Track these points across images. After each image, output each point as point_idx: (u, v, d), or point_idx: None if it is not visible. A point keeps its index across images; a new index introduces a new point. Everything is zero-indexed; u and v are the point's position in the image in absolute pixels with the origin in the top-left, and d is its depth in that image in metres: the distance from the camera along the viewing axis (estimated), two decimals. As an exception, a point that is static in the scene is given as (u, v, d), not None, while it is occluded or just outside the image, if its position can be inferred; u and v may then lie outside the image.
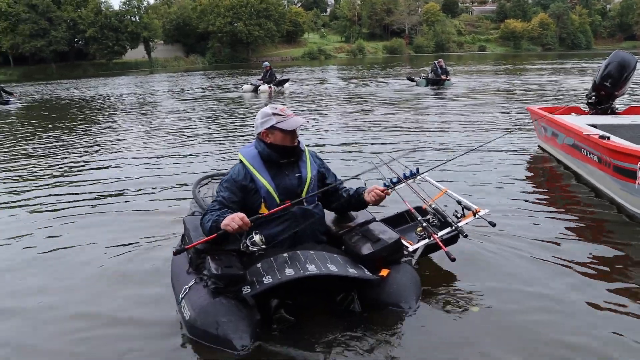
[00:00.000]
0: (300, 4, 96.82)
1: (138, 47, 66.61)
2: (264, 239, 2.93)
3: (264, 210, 3.08)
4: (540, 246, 4.19)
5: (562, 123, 6.47)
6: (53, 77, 50.79)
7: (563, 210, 5.13)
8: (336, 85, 23.90)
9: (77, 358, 2.95)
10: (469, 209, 3.70)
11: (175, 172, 7.47)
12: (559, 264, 3.86)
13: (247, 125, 11.72)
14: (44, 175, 7.66)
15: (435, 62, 20.68)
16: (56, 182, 7.21)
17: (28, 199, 6.38)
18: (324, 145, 8.92)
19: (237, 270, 2.86)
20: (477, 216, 3.60)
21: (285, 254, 2.97)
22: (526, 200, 5.49)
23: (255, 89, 20.58)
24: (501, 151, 7.83)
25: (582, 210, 5.11)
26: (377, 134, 9.82)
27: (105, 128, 12.74)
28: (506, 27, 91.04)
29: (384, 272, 3.07)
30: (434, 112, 12.82)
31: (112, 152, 9.35)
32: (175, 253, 3.01)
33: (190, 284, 2.99)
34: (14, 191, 6.84)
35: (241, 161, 3.21)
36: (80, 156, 9.07)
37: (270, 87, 20.36)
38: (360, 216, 3.47)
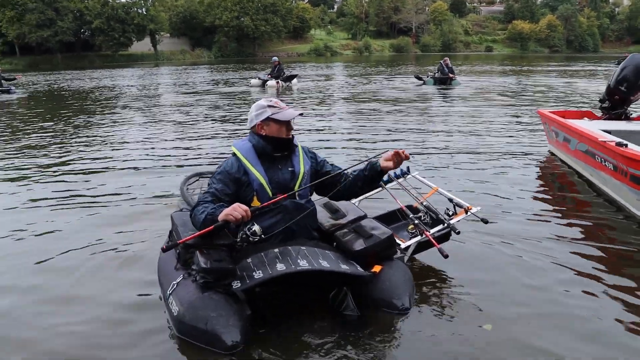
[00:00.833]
0: (307, 0, 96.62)
1: (144, 39, 66.56)
2: (262, 230, 2.92)
3: (256, 204, 3.06)
4: (541, 248, 4.13)
5: (575, 128, 6.29)
6: (58, 67, 50.81)
7: (571, 216, 5.01)
8: (342, 82, 23.81)
9: (57, 352, 2.88)
10: (460, 206, 3.71)
11: (176, 166, 7.43)
12: (558, 265, 3.85)
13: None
14: (40, 165, 7.61)
15: (442, 61, 20.62)
16: (53, 172, 7.16)
17: (22, 189, 6.36)
18: (325, 141, 8.79)
19: (226, 264, 2.83)
20: (469, 213, 3.62)
21: (276, 249, 2.93)
22: (532, 205, 5.38)
23: (263, 84, 20.56)
24: (511, 154, 7.71)
25: (591, 217, 4.99)
26: (379, 133, 9.77)
27: (106, 120, 12.68)
28: (513, 28, 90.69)
29: (377, 269, 3.05)
30: (440, 112, 12.75)
31: (111, 145, 9.29)
32: (166, 249, 2.95)
33: (179, 279, 2.95)
34: (6, 179, 6.83)
35: (235, 154, 3.19)
36: (78, 147, 9.01)
37: (278, 82, 20.29)
38: (351, 213, 3.43)
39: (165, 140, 9.58)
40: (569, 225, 4.76)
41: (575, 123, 6.57)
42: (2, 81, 20.52)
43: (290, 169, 3.19)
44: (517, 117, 11.75)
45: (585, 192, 5.80)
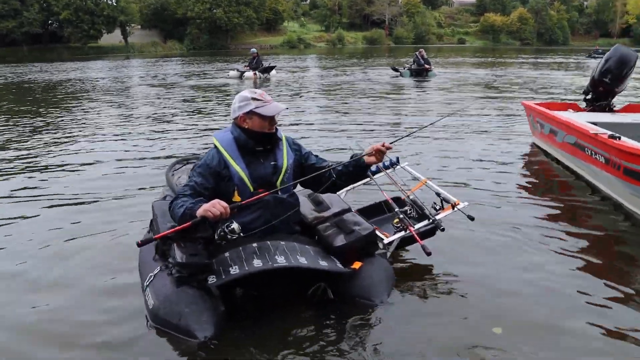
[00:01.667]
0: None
1: (114, 31, 65.25)
2: (241, 228, 2.82)
3: (236, 199, 2.95)
4: (525, 241, 4.08)
5: (563, 120, 6.20)
6: (25, 59, 49.45)
7: (557, 210, 4.94)
8: (318, 74, 23.66)
9: (34, 337, 2.89)
10: (447, 201, 3.60)
11: (153, 156, 7.28)
12: (547, 256, 3.81)
13: (228, 110, 11.38)
14: (9, 160, 7.31)
15: (417, 52, 20.59)
16: (25, 167, 6.88)
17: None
18: (304, 133, 8.70)
19: (202, 259, 2.78)
20: (455, 209, 3.52)
21: (255, 244, 2.87)
22: (516, 197, 5.33)
23: (241, 76, 20.33)
24: (494, 146, 7.66)
25: (578, 207, 4.98)
26: (358, 124, 9.69)
27: (77, 112, 12.32)
28: (485, 21, 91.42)
29: (356, 265, 2.97)
30: (419, 104, 12.68)
31: (84, 137, 9.03)
32: (141, 244, 2.79)
33: (156, 271, 2.92)
34: None
35: (215, 146, 3.04)
36: (50, 140, 8.71)
37: (255, 74, 20.13)
38: (335, 205, 3.32)
39: (142, 132, 9.32)
40: (556, 216, 4.72)
41: (562, 115, 6.49)
42: None
43: (272, 162, 3.06)
44: (497, 108, 11.71)
45: (573, 185, 5.74)
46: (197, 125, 9.89)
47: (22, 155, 7.60)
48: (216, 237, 2.84)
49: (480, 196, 5.20)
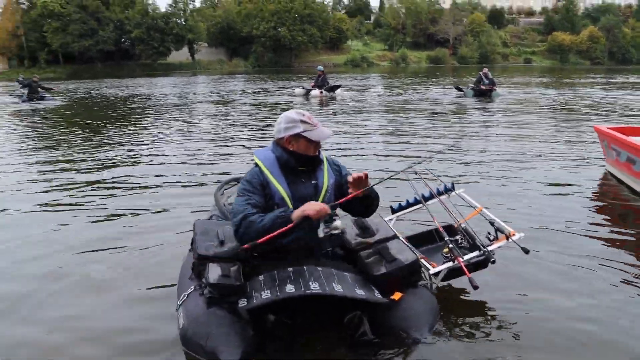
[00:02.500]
0: (344, 10, 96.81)
1: (182, 48, 67.68)
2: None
3: None
4: (588, 280, 3.70)
5: None
6: (99, 75, 51.96)
7: (631, 247, 4.39)
8: (381, 93, 23.43)
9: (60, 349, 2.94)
10: (502, 231, 3.35)
11: (210, 173, 7.34)
12: (605, 298, 3.43)
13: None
14: (71, 171, 7.56)
15: (481, 72, 20.13)
16: (84, 177, 7.09)
17: (51, 195, 6.27)
18: (362, 153, 8.50)
19: (234, 280, 2.72)
20: (510, 240, 3.27)
21: (291, 269, 2.79)
22: (582, 229, 4.78)
23: (307, 94, 20.48)
24: (562, 173, 7.12)
25: None
26: (417, 145, 9.40)
27: (140, 127, 12.68)
28: (553, 40, 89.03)
29: (397, 296, 2.83)
30: (483, 126, 12.26)
31: (142, 151, 9.25)
32: (246, 248, 2.75)
33: (189, 291, 2.87)
34: (35, 181, 6.78)
35: (257, 165, 3.00)
36: (111, 152, 8.98)
37: (321, 92, 20.20)
38: (380, 232, 3.18)
39: (201, 149, 9.45)
40: (629, 254, 4.20)
41: None
42: (39, 89, 20.95)
43: (313, 182, 3.01)
44: (567, 132, 10.99)
45: None
46: (256, 143, 9.96)
47: (84, 165, 7.86)
48: (321, 235, 2.88)
49: (542, 227, 4.81)
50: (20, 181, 7.09)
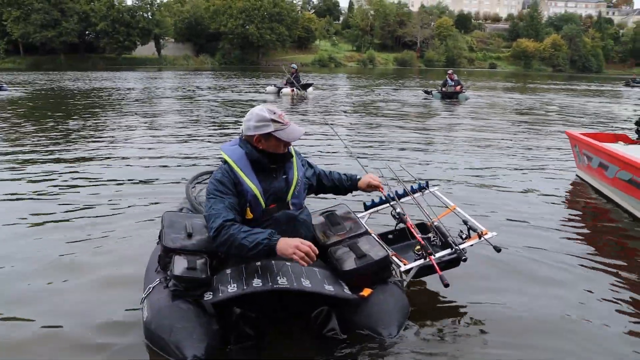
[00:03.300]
0: (313, 10, 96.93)
1: (148, 43, 66.67)
2: None
3: (249, 215, 2.82)
4: (559, 281, 3.69)
5: (615, 154, 5.58)
6: (61, 68, 50.75)
7: (601, 249, 4.38)
8: (349, 93, 23.44)
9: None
10: (475, 230, 3.31)
11: (176, 167, 7.18)
12: (575, 297, 3.43)
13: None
14: (33, 163, 7.26)
15: (447, 75, 20.30)
16: (45, 172, 6.80)
17: (10, 187, 6.00)
18: (334, 152, 8.46)
19: (199, 273, 2.64)
20: (482, 239, 3.23)
21: (259, 262, 2.69)
22: (555, 232, 4.78)
23: (279, 91, 20.43)
24: (532, 176, 7.11)
25: (627, 248, 4.47)
26: (388, 144, 9.39)
27: (104, 121, 12.32)
28: (518, 46, 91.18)
29: (366, 292, 2.77)
30: (452, 128, 12.26)
31: (107, 145, 8.96)
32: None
33: (155, 283, 2.78)
34: None
35: (226, 162, 2.88)
36: (74, 147, 8.67)
37: (292, 90, 20.18)
38: (353, 227, 3.12)
39: (167, 143, 9.25)
40: (601, 256, 4.19)
41: (615, 148, 5.89)
42: None
43: (284, 176, 2.94)
44: (536, 136, 11.03)
45: (625, 226, 5.08)
46: (223, 138, 9.81)
47: (46, 159, 7.57)
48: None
49: (513, 228, 4.82)
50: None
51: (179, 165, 7.32)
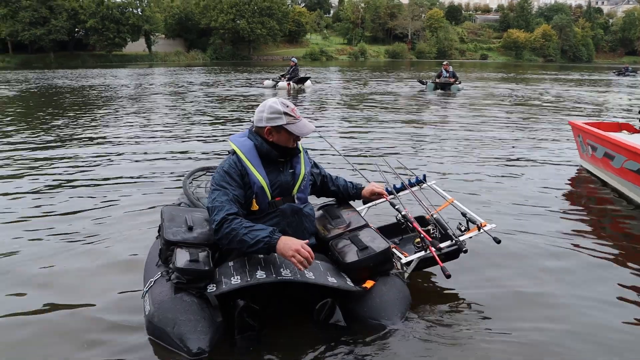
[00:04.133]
0: (303, 4, 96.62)
1: (139, 40, 66.17)
2: None
3: (254, 207, 2.86)
4: (559, 272, 3.70)
5: (623, 143, 5.48)
6: (51, 66, 50.32)
7: (608, 242, 4.31)
8: (343, 86, 23.42)
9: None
10: (473, 222, 3.36)
11: (171, 163, 7.22)
12: (574, 290, 3.43)
13: (248, 121, 11.28)
14: (25, 166, 7.23)
15: (442, 66, 20.32)
16: (38, 170, 6.80)
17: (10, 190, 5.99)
18: (324, 149, 8.40)
19: (202, 265, 2.63)
20: (481, 230, 3.27)
21: (262, 255, 2.72)
22: (556, 223, 4.75)
23: (275, 85, 20.52)
24: (534, 166, 7.08)
25: (632, 238, 4.42)
26: (386, 137, 9.40)
27: (95, 118, 12.26)
28: (509, 37, 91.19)
29: (368, 284, 2.81)
30: (446, 119, 12.30)
31: (99, 142, 8.94)
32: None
33: (156, 277, 2.80)
34: None
35: (235, 153, 2.91)
36: (67, 147, 8.64)
37: (289, 83, 20.22)
38: (353, 221, 3.16)
39: (161, 139, 9.23)
40: (607, 250, 4.14)
41: (621, 137, 5.79)
42: None
43: (291, 170, 2.98)
44: (536, 126, 10.86)
45: (632, 214, 5.04)
46: (218, 133, 9.78)
47: (37, 157, 7.54)
48: None
49: (514, 220, 4.81)
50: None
51: (176, 159, 7.38)
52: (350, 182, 3.46)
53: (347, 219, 3.19)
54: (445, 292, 3.35)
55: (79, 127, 10.70)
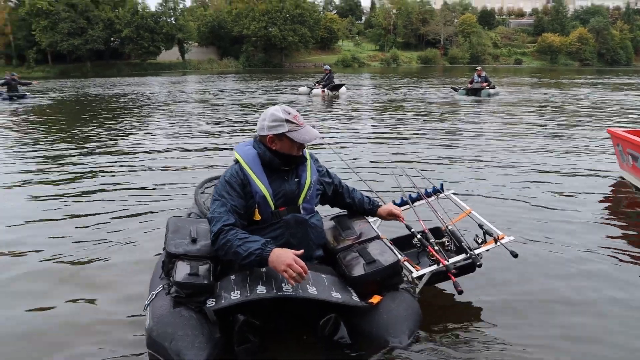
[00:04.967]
0: (335, 11, 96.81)
1: (172, 48, 67.33)
2: None
3: (257, 217, 2.79)
4: (586, 290, 3.47)
5: None
6: (88, 75, 51.62)
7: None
8: (374, 93, 23.30)
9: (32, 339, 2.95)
10: (490, 234, 3.20)
11: (196, 172, 7.23)
12: (594, 311, 3.21)
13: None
14: (54, 168, 7.35)
15: (476, 72, 20.12)
16: (64, 175, 6.89)
17: (36, 194, 6.11)
18: (352, 151, 8.34)
19: (201, 279, 2.58)
20: (498, 243, 3.11)
21: (264, 269, 2.64)
22: (590, 240, 4.38)
23: (309, 92, 20.68)
24: (568, 176, 6.72)
25: None
26: (411, 144, 9.26)
27: (126, 126, 12.46)
28: (543, 41, 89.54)
29: (375, 299, 2.69)
30: (476, 126, 12.03)
31: (127, 150, 9.03)
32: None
33: (158, 290, 2.75)
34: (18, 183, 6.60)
35: (238, 162, 2.86)
36: (96, 151, 8.76)
37: (323, 90, 20.31)
38: (364, 232, 3.04)
39: (189, 148, 9.29)
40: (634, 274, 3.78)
41: None
42: (18, 86, 21.13)
43: (296, 179, 2.89)
44: (571, 134, 10.34)
45: None
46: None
47: (66, 162, 7.68)
48: None
49: (550, 232, 4.53)
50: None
51: (201, 169, 7.39)
52: (367, 197, 3.35)
53: (358, 230, 3.08)
54: (459, 308, 3.19)
55: (107, 136, 10.86)
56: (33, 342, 2.95)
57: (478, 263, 3.00)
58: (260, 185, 2.78)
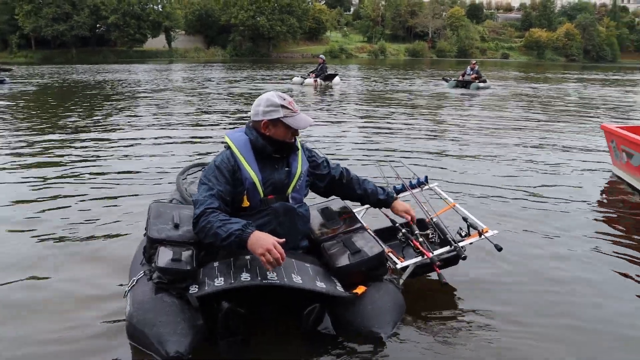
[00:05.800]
0: (323, 1, 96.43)
1: (159, 36, 66.63)
2: None
3: (245, 204, 2.77)
4: (564, 286, 3.46)
5: None
6: (73, 61, 50.81)
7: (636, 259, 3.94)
8: (362, 84, 23.28)
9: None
10: (475, 227, 3.21)
11: (181, 159, 7.10)
12: (580, 304, 3.22)
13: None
14: (34, 152, 7.24)
15: (470, 65, 20.51)
16: (47, 161, 6.78)
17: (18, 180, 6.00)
18: (339, 142, 8.33)
19: (184, 265, 2.55)
20: (482, 237, 3.14)
21: (248, 256, 2.61)
22: (582, 234, 4.37)
23: (302, 82, 20.73)
24: (558, 172, 6.65)
25: None
26: (397, 136, 9.26)
27: (111, 112, 12.27)
28: (530, 36, 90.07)
29: (360, 290, 2.68)
30: (465, 119, 11.99)
31: (112, 136, 8.92)
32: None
33: (139, 276, 2.70)
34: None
35: (229, 147, 2.84)
36: (80, 137, 8.62)
37: (315, 80, 20.38)
38: (348, 223, 3.04)
39: (174, 134, 9.22)
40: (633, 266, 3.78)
41: None
42: None
43: (286, 168, 2.88)
44: (561, 129, 10.26)
45: None
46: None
47: (49, 149, 7.57)
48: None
49: (540, 227, 4.51)
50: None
51: (185, 157, 7.28)
52: (382, 187, 3.29)
53: (342, 221, 3.08)
54: (442, 300, 3.20)
55: (91, 122, 10.72)
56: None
57: (462, 256, 3.01)
58: (251, 171, 2.76)
